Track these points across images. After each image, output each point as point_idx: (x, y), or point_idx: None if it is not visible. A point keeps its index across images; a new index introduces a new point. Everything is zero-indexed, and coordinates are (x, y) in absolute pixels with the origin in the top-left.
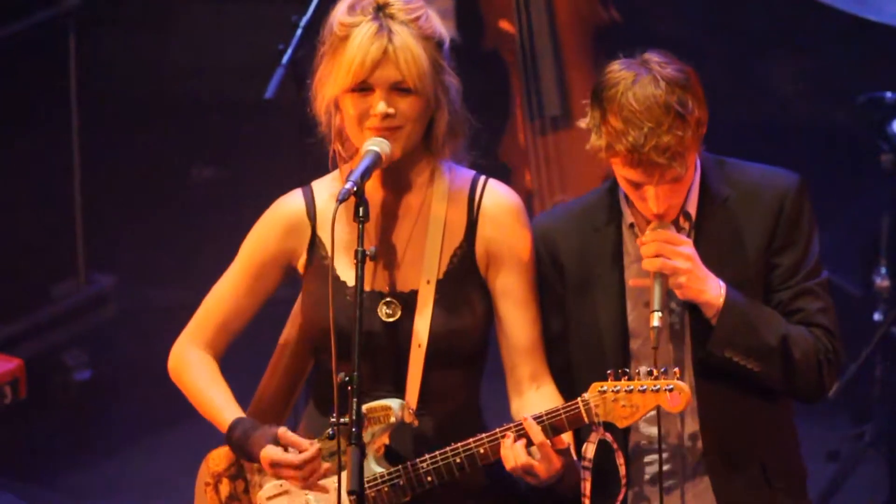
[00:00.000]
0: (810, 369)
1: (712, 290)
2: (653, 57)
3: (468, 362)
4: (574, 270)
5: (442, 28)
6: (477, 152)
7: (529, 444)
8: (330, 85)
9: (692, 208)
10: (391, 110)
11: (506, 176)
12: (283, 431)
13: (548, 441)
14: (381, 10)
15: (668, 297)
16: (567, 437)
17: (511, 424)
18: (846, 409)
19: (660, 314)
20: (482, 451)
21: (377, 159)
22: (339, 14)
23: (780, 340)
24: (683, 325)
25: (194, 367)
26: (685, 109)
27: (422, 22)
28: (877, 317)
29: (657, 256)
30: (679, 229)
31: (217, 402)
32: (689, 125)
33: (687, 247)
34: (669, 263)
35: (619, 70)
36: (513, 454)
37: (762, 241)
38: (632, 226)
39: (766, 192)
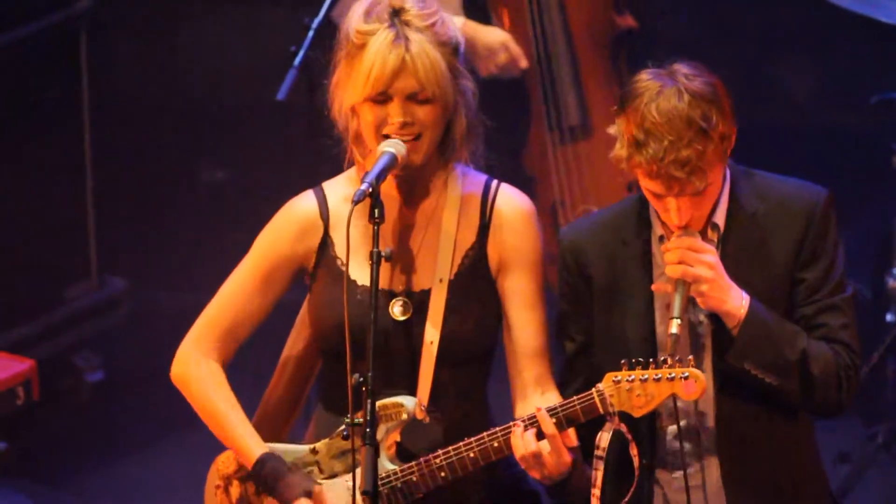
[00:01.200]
0: (829, 386)
1: (734, 301)
2: (681, 68)
3: (478, 361)
4: (603, 282)
5: (457, 32)
6: (494, 156)
7: (540, 436)
8: (348, 93)
9: (720, 220)
10: (409, 119)
11: (531, 185)
12: (318, 491)
13: (559, 433)
14: (396, 16)
15: (693, 307)
16: (573, 437)
17: (525, 416)
18: (858, 410)
19: (678, 321)
20: (496, 444)
21: (392, 161)
22: (354, 21)
23: (799, 356)
24: (706, 335)
25: (205, 383)
26: (708, 124)
27: (437, 28)
28: (889, 318)
29: (680, 263)
30: (707, 240)
31: (238, 430)
32: (712, 140)
33: (710, 255)
34: (691, 271)
35: (645, 80)
36: (523, 443)
37: (789, 255)
38: (661, 238)
39: (794, 205)
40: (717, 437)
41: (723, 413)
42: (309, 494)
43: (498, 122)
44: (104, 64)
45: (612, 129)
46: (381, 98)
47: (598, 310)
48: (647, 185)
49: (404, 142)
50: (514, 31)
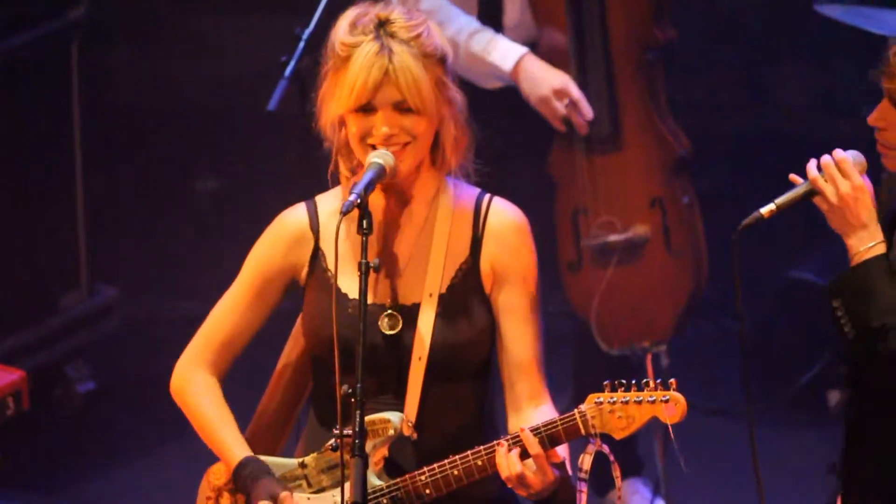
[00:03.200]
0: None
1: (858, 241)
2: None
3: (470, 376)
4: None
5: (444, 42)
6: (519, 157)
7: (525, 455)
8: (334, 105)
9: None
10: (394, 130)
11: (554, 189)
12: (284, 496)
13: (543, 453)
14: (381, 28)
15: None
16: (562, 451)
17: (508, 436)
18: None
19: (773, 207)
20: (479, 463)
21: (381, 171)
22: (340, 33)
23: (881, 325)
24: None
25: (199, 393)
26: None
27: (423, 39)
28: None
29: (820, 171)
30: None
31: (226, 438)
32: None
33: (847, 187)
34: (818, 181)
35: None
36: (507, 463)
37: None
38: None
39: None
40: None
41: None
42: (273, 499)
43: (525, 122)
44: (97, 73)
45: None
46: (366, 109)
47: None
48: None
49: (391, 151)
50: (552, 38)
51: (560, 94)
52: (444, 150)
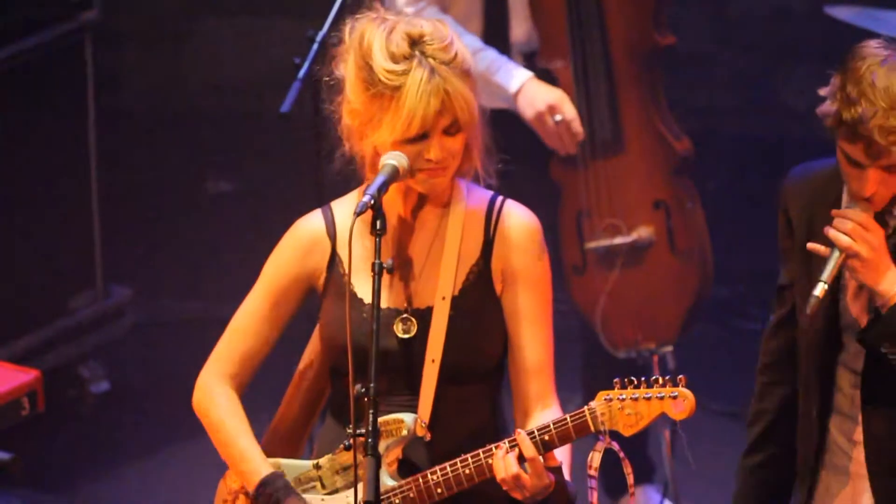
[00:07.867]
0: None
1: (887, 283)
2: None
3: (483, 378)
4: (799, 235)
5: (469, 54)
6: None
7: (522, 458)
8: (382, 132)
9: None
10: (445, 154)
11: (558, 192)
12: None
13: (538, 457)
14: (417, 47)
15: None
16: (560, 455)
17: (509, 439)
18: None
19: (824, 286)
20: (491, 461)
21: (394, 173)
22: (378, 59)
23: None
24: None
25: (221, 408)
26: None
27: (460, 56)
28: None
29: (845, 234)
30: (882, 222)
31: (246, 452)
32: None
33: (876, 237)
34: (854, 246)
35: (873, 47)
36: (503, 464)
37: None
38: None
39: None
40: (863, 424)
41: (868, 399)
42: None
43: (528, 127)
44: (110, 74)
45: (823, 91)
46: (420, 137)
47: (797, 260)
48: (845, 148)
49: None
50: (552, 44)
51: (553, 109)
52: (473, 161)
